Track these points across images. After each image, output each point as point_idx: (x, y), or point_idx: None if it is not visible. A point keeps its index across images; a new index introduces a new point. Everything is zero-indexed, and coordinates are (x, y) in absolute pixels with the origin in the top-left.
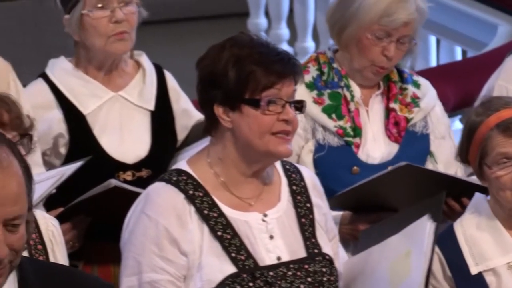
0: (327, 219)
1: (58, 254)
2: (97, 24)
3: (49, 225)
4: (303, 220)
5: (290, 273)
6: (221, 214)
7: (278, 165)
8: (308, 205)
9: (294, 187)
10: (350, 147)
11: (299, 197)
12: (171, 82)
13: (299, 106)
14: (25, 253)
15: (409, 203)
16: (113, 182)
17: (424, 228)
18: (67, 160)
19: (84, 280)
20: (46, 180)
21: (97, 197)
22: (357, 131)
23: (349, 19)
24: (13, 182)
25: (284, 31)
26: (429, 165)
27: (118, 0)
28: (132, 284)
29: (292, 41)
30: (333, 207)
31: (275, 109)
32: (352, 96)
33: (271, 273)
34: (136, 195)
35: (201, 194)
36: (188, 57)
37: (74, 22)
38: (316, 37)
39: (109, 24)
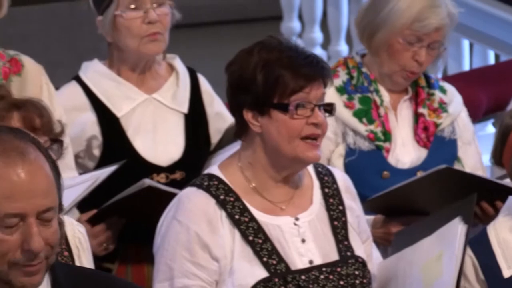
0: (360, 221)
1: (85, 260)
2: (130, 25)
3: (75, 231)
4: (335, 223)
5: (322, 276)
6: (252, 219)
7: (310, 168)
8: (340, 207)
9: (326, 190)
10: (380, 152)
11: (331, 200)
12: (205, 85)
13: (329, 109)
14: None
15: (441, 207)
16: (147, 181)
17: (456, 230)
18: (101, 162)
19: (115, 284)
20: (80, 184)
21: (130, 198)
22: (387, 135)
23: (380, 24)
24: (41, 175)
25: (317, 35)
26: None
27: (151, 1)
28: None
29: (325, 45)
30: (365, 211)
31: (304, 113)
32: (382, 101)
33: (303, 277)
34: (169, 195)
35: (232, 199)
36: (221, 60)
37: (107, 23)
38: (349, 41)
39: (142, 25)
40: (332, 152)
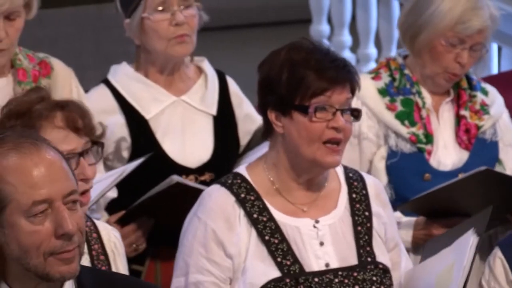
0: (387, 229)
1: (120, 265)
2: (157, 27)
3: (111, 236)
4: (359, 228)
5: (337, 280)
6: (271, 219)
7: (340, 172)
8: (366, 213)
9: (354, 195)
10: (422, 154)
11: (357, 205)
12: (233, 87)
13: (356, 114)
14: (87, 263)
15: (481, 208)
16: (175, 178)
17: (467, 242)
18: None
19: None
20: (106, 179)
21: (159, 196)
22: (429, 137)
23: (422, 26)
24: (57, 161)
25: (347, 38)
26: None
27: (179, 3)
28: (179, 285)
29: (354, 48)
30: (407, 211)
31: (325, 116)
32: (424, 103)
33: (316, 279)
34: (198, 191)
35: (252, 197)
36: (250, 63)
37: (135, 26)
38: (378, 44)
39: (170, 27)
40: (374, 154)
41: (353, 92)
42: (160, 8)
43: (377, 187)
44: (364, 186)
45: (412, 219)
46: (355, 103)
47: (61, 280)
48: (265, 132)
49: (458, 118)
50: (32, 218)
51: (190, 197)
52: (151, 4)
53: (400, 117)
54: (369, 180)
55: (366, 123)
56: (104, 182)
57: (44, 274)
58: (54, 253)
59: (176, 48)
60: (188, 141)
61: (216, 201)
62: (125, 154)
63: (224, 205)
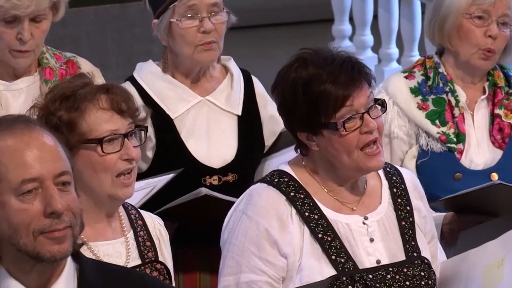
0: (426, 222)
1: (165, 251)
2: (185, 33)
3: (155, 223)
4: (403, 223)
5: (389, 276)
6: (322, 216)
7: None
8: (408, 208)
9: (394, 190)
10: (453, 154)
11: (399, 200)
12: (259, 87)
13: (381, 103)
14: (134, 249)
15: None
16: (203, 190)
17: None
18: (154, 163)
19: (146, 283)
20: (137, 192)
21: (186, 205)
22: (460, 137)
23: (446, 12)
24: (49, 142)
25: (369, 38)
26: None
27: (208, 9)
28: (229, 284)
29: (376, 48)
30: (438, 208)
31: (354, 125)
32: (457, 101)
33: (370, 276)
34: (225, 203)
35: (302, 196)
36: (274, 63)
37: (163, 28)
38: (400, 44)
39: (198, 34)
40: (405, 153)
41: (370, 84)
42: (189, 14)
43: (413, 180)
44: (402, 180)
45: (442, 214)
46: (386, 102)
47: (51, 259)
48: (298, 148)
49: (493, 117)
50: (21, 197)
51: (217, 206)
52: (180, 10)
53: (430, 116)
54: (405, 173)
55: (397, 122)
56: (134, 196)
57: (35, 253)
58: (44, 231)
59: (203, 55)
60: (213, 141)
61: (267, 200)
62: (150, 154)
63: (275, 204)
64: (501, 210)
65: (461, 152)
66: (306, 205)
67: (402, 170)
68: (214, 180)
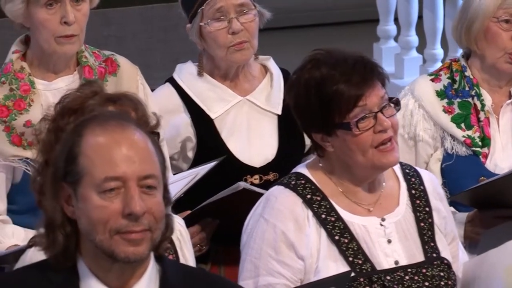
0: (446, 222)
1: (187, 252)
2: (215, 36)
3: (176, 224)
4: (422, 224)
5: (407, 277)
6: (339, 218)
7: (397, 169)
8: (427, 209)
9: (413, 191)
10: (478, 157)
11: (418, 201)
12: None
13: (395, 101)
14: None
15: None
16: (242, 184)
17: None
18: (195, 164)
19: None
20: (179, 181)
21: (225, 200)
22: (485, 141)
23: (473, 15)
24: (140, 143)
25: (413, 38)
26: None
27: (235, 9)
28: (248, 287)
29: (421, 48)
30: (459, 202)
31: (367, 124)
32: (483, 105)
33: (388, 277)
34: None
35: (319, 198)
36: None
37: (194, 33)
38: (445, 44)
39: (228, 36)
40: (430, 156)
41: (383, 84)
42: (217, 16)
43: (433, 181)
44: (421, 182)
45: (465, 214)
46: (412, 105)
47: (125, 260)
48: (314, 150)
49: None
50: (102, 194)
51: (255, 200)
52: (208, 13)
53: (456, 120)
54: (424, 175)
55: (422, 125)
56: (177, 185)
57: (110, 252)
58: (120, 231)
59: (236, 56)
60: (253, 141)
61: (284, 202)
62: (190, 154)
63: (292, 206)
64: None
65: (486, 156)
66: (323, 207)
67: (421, 171)
68: (256, 179)
